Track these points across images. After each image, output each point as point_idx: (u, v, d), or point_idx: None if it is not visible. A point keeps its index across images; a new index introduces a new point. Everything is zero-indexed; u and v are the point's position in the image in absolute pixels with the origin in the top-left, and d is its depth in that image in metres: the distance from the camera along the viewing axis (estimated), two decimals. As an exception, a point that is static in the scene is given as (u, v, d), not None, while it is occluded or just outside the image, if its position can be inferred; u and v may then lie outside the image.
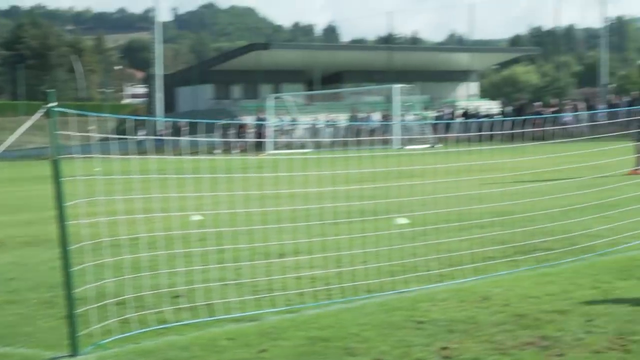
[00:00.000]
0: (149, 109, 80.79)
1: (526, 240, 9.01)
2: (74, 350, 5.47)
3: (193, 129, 47.52)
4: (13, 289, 7.97)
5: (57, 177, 5.62)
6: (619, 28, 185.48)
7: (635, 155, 17.03)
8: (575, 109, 48.15)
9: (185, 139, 9.08)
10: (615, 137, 12.44)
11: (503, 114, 52.33)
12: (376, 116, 55.72)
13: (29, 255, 10.18)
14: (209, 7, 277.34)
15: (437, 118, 54.07)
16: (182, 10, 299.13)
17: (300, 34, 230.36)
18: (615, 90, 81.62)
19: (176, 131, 55.19)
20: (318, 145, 31.37)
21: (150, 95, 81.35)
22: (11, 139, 5.96)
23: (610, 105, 49.13)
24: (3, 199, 20.95)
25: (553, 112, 45.50)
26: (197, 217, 11.11)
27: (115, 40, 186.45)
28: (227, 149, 34.75)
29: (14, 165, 48.60)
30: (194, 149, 9.97)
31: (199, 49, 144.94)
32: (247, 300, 6.76)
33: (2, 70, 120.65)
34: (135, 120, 48.36)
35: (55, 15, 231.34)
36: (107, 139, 7.81)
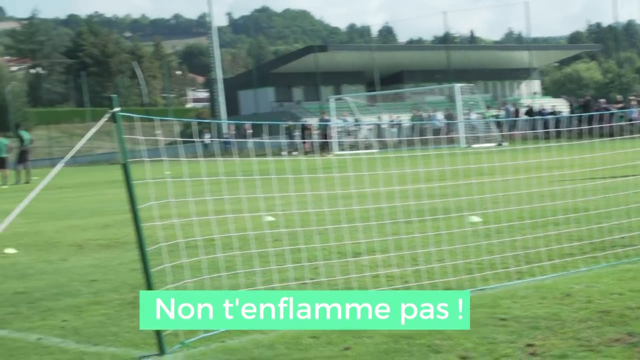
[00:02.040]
0: (213, 113, 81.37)
1: (604, 237, 8.91)
2: (161, 349, 5.55)
3: (258, 132, 47.78)
4: (96, 290, 8.10)
5: (128, 180, 5.69)
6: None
7: None
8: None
9: (252, 140, 9.11)
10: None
11: (571, 111, 51.68)
12: (440, 115, 55.46)
13: (108, 258, 10.35)
14: (264, 10, 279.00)
15: (500, 116, 53.63)
16: (237, 14, 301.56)
17: (357, 35, 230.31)
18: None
19: (241, 134, 55.61)
20: (384, 145, 31.36)
21: (212, 99, 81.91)
22: (78, 145, 6.05)
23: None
24: (77, 203, 21.26)
25: (619, 109, 44.90)
26: (268, 218, 11.17)
27: (172, 45, 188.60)
28: (293, 150, 34.87)
29: (85, 171, 49.28)
30: (261, 151, 10.02)
31: (256, 53, 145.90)
32: (326, 299, 6.77)
33: (67, 77, 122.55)
34: (201, 123, 48.79)
35: (112, 23, 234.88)
36: (174, 142, 7.90)
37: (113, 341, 5.82)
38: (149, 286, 5.67)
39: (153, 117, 6.78)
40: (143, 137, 6.71)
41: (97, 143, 69.49)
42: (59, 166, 5.93)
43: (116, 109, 5.70)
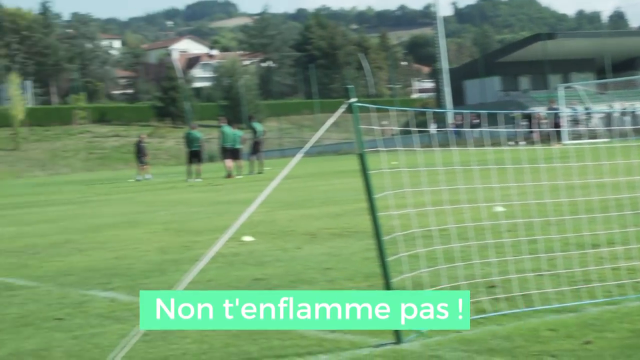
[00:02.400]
0: (438, 103, 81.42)
1: None
2: (398, 338, 5.57)
3: (483, 121, 47.25)
4: (331, 278, 8.25)
5: (364, 170, 5.73)
6: None
7: None
8: None
9: (485, 129, 9.03)
10: None
11: None
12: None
13: (341, 246, 10.52)
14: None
15: None
16: (462, 4, 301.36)
17: (586, 21, 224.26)
18: None
19: (467, 124, 55.23)
20: (621, 134, 30.36)
21: (438, 89, 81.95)
22: (317, 134, 6.14)
23: None
24: (308, 193, 21.81)
25: None
26: (499, 209, 11.02)
27: (398, 37, 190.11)
28: (520, 140, 34.35)
29: (313, 161, 50.42)
30: (494, 140, 9.88)
31: (482, 42, 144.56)
32: (564, 291, 6.61)
33: (295, 70, 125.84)
34: (426, 113, 48.83)
35: (339, 16, 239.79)
36: (408, 132, 7.91)
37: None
38: (386, 275, 5.71)
39: (388, 108, 6.83)
40: (378, 127, 6.76)
41: (325, 134, 70.85)
42: (299, 156, 6.07)
43: (353, 100, 5.76)
